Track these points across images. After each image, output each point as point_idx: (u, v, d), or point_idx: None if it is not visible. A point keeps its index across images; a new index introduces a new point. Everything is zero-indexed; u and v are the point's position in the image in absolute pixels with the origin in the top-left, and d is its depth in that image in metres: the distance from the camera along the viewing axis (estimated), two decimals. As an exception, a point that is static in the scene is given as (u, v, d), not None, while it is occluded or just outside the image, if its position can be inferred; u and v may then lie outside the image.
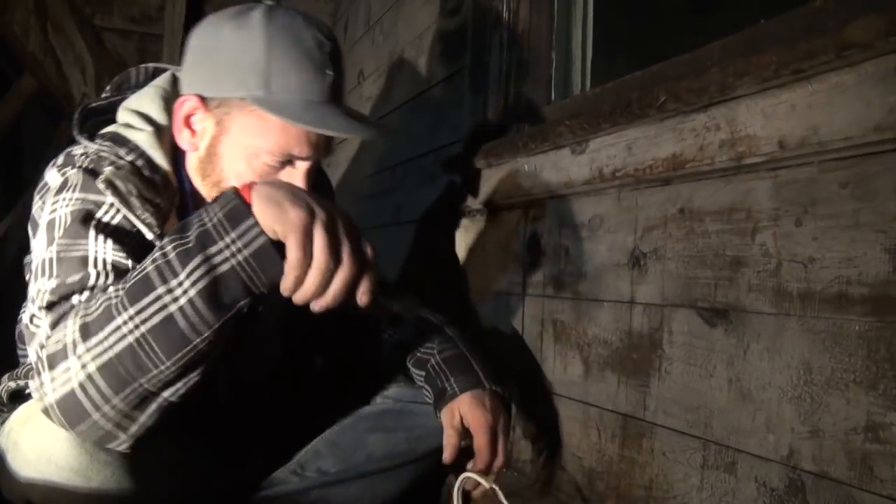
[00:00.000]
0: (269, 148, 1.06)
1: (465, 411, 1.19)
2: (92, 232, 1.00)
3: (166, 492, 1.01)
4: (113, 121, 1.15)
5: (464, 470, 1.16)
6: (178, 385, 0.89)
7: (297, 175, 1.09)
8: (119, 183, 1.02)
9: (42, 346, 0.91)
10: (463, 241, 1.75)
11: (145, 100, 1.14)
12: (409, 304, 1.37)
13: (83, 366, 0.86)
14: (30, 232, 1.10)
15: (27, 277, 1.11)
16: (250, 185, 0.89)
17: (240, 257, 0.85)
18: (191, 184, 1.14)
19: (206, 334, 0.85)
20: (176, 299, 0.84)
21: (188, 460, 0.93)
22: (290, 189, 0.89)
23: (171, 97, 1.14)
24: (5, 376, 1.19)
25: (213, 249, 0.85)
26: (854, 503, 0.83)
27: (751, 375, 0.98)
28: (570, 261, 1.36)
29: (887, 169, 0.81)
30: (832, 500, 0.86)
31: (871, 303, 0.82)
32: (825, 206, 0.88)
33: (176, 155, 1.12)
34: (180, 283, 0.84)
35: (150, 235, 1.03)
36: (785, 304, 0.93)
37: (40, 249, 1.02)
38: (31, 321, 0.97)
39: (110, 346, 0.85)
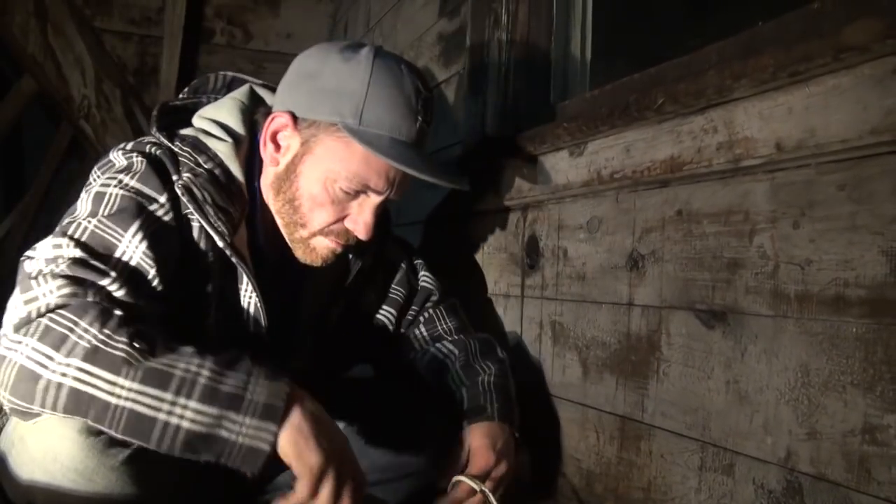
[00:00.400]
0: (348, 175, 1.10)
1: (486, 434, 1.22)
2: (133, 227, 1.01)
3: (168, 497, 1.01)
4: (187, 123, 1.17)
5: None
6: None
7: (367, 206, 1.14)
8: (196, 190, 1.06)
9: (39, 313, 0.92)
10: (462, 243, 1.75)
11: (223, 110, 1.18)
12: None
13: (63, 374, 0.88)
14: (82, 194, 1.10)
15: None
16: (301, 399, 0.92)
17: (239, 440, 0.88)
18: (260, 197, 1.18)
19: (164, 450, 0.88)
20: (171, 413, 0.87)
21: (190, 466, 0.93)
22: (325, 429, 0.93)
23: (247, 110, 1.19)
24: None
25: (231, 416, 0.88)
26: (851, 505, 0.84)
27: (748, 377, 0.98)
28: (569, 263, 1.36)
29: (884, 171, 0.81)
30: (830, 502, 0.86)
31: (868, 305, 0.82)
32: (822, 209, 0.88)
33: (249, 168, 1.16)
34: (185, 408, 0.87)
35: (221, 243, 1.06)
36: (782, 307, 0.93)
37: (80, 211, 1.04)
38: (38, 273, 0.96)
39: (96, 388, 0.87)
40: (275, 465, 1.23)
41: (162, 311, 1.03)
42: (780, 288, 0.93)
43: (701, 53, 1.17)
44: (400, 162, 1.08)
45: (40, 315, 0.92)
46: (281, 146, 1.14)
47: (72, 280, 0.94)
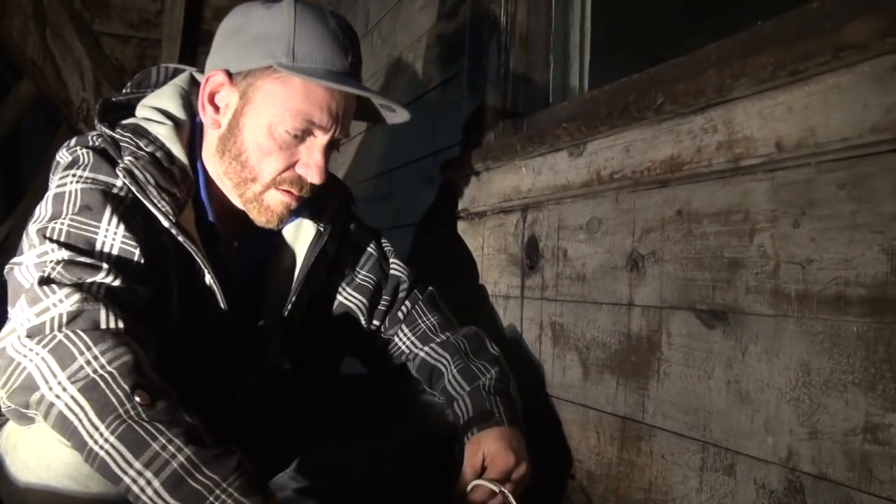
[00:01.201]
0: (291, 113, 1.10)
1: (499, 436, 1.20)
2: (106, 214, 1.02)
3: None
4: (131, 116, 1.18)
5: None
6: None
7: (315, 147, 1.13)
8: (137, 172, 1.06)
9: (54, 326, 0.92)
10: (462, 244, 1.75)
11: (163, 97, 1.19)
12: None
13: (57, 396, 0.89)
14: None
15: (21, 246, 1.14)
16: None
17: None
18: (206, 176, 1.18)
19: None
20: (135, 481, 0.87)
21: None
22: None
23: (188, 95, 1.20)
24: None
25: None
26: (853, 505, 0.83)
27: (749, 377, 0.97)
28: (569, 263, 1.36)
29: (884, 170, 0.81)
30: (831, 502, 0.86)
31: (869, 304, 0.82)
32: (823, 208, 0.88)
33: (191, 150, 1.16)
34: (149, 484, 0.86)
35: (165, 223, 1.06)
36: (783, 306, 0.93)
37: (43, 217, 1.04)
38: (41, 282, 0.96)
39: (80, 423, 0.88)
40: (272, 465, 1.25)
41: (150, 293, 1.04)
42: (780, 287, 0.93)
43: (700, 53, 1.16)
44: (339, 84, 1.09)
45: (55, 328, 0.92)
46: (219, 106, 1.15)
47: (76, 286, 0.95)
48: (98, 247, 1.01)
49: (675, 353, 1.10)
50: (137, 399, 0.89)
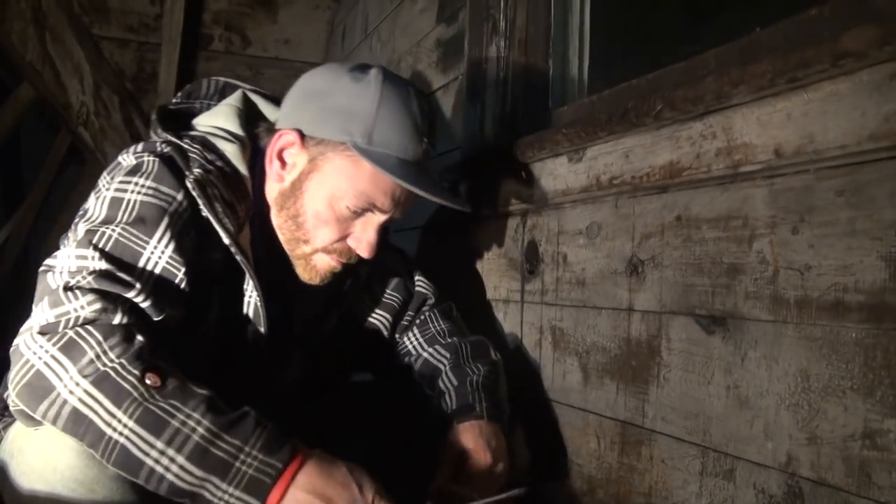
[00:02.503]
0: (355, 193, 1.12)
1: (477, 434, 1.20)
2: (158, 233, 1.01)
3: None
4: (184, 126, 1.18)
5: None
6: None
7: (370, 225, 1.15)
8: (207, 186, 1.06)
9: (68, 325, 0.92)
10: (461, 248, 1.75)
11: (220, 117, 1.19)
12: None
13: (70, 392, 0.89)
14: (91, 199, 1.10)
15: (62, 241, 1.13)
16: (304, 455, 0.92)
17: None
18: (261, 201, 1.18)
19: (151, 489, 0.89)
20: (158, 462, 0.87)
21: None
22: (340, 477, 0.93)
23: (243, 115, 1.20)
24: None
25: (215, 482, 0.88)
26: (852, 510, 0.84)
27: (749, 382, 0.98)
28: (569, 268, 1.37)
29: (883, 177, 0.82)
30: (830, 507, 0.86)
31: (867, 310, 0.83)
32: (821, 214, 0.89)
33: (252, 172, 1.17)
34: (172, 461, 0.87)
35: (227, 240, 1.06)
36: (782, 312, 0.93)
37: (95, 218, 1.03)
38: (68, 286, 0.95)
39: (96, 414, 0.88)
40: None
41: (183, 315, 1.04)
42: (779, 293, 0.94)
43: (699, 59, 1.17)
44: (408, 181, 1.09)
45: (69, 327, 0.92)
46: (287, 163, 1.16)
47: (101, 294, 0.95)
48: (141, 263, 1.00)
49: (674, 359, 1.11)
50: (149, 381, 0.89)
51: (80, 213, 1.10)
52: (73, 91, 2.67)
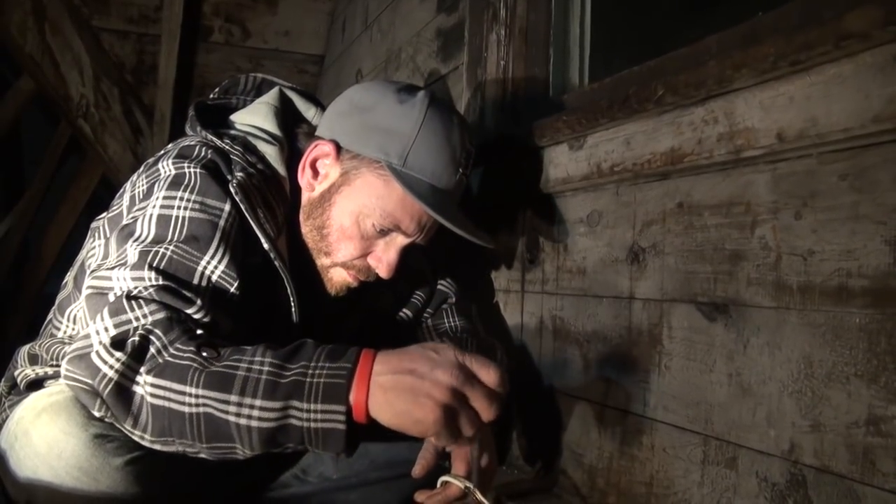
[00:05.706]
0: (382, 213, 1.11)
1: None
2: (211, 249, 1.01)
3: (174, 497, 1.00)
4: (221, 123, 1.17)
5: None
6: (205, 455, 0.91)
7: (393, 247, 1.15)
8: (249, 190, 1.06)
9: (132, 334, 0.91)
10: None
11: (258, 116, 1.18)
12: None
13: (143, 395, 0.88)
14: (124, 199, 1.10)
15: (92, 242, 1.13)
16: (372, 361, 0.87)
17: (312, 426, 0.85)
18: (297, 201, 1.17)
19: (247, 451, 0.88)
20: (239, 415, 0.85)
21: (193, 463, 0.92)
22: (418, 350, 0.88)
23: (280, 114, 1.19)
24: (23, 351, 1.19)
25: (296, 405, 0.85)
26: (856, 497, 0.83)
27: (751, 370, 0.97)
28: (569, 257, 1.36)
29: (886, 160, 0.81)
30: (834, 495, 0.85)
31: (871, 295, 0.82)
32: (824, 199, 0.88)
33: (289, 172, 1.16)
34: (252, 407, 0.85)
35: (266, 244, 1.06)
36: (785, 298, 0.92)
37: (145, 238, 1.00)
38: (131, 295, 0.94)
39: (168, 399, 0.87)
40: (278, 463, 1.25)
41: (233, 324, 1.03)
42: (782, 279, 0.93)
43: (701, 44, 1.16)
44: (436, 210, 1.08)
45: (134, 335, 0.91)
46: (319, 173, 1.15)
47: (163, 306, 0.94)
48: (196, 279, 0.99)
49: (676, 347, 1.10)
50: (205, 354, 0.89)
51: (112, 213, 1.09)
52: (73, 83, 2.66)
